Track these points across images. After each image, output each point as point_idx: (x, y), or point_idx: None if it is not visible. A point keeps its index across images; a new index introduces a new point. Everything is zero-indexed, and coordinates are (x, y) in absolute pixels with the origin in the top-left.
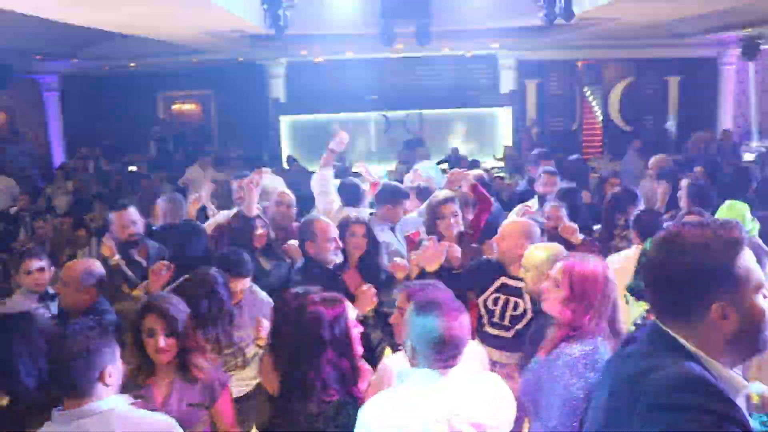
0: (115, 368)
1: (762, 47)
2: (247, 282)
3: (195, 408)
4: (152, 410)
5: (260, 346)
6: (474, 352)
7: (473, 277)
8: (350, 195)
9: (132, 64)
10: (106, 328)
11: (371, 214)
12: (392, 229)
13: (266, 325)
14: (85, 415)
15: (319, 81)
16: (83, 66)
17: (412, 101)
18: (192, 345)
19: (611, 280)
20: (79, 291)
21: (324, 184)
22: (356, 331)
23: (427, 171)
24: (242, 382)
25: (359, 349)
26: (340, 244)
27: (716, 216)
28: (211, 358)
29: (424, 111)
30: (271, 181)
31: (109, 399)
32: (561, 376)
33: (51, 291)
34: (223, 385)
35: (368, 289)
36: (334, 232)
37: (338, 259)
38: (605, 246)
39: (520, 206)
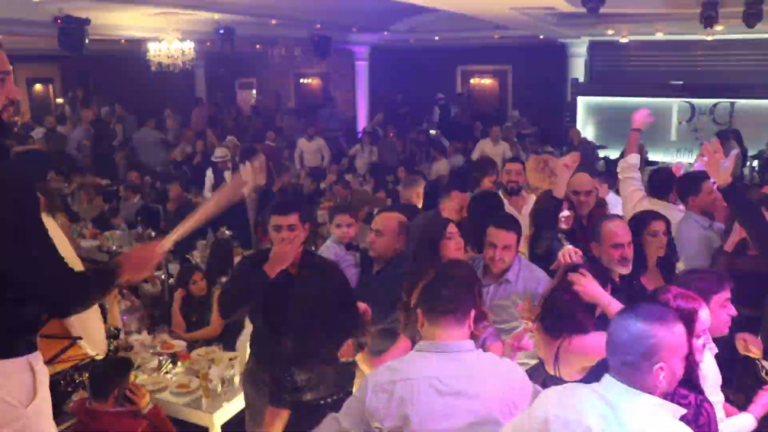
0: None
1: None
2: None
3: None
4: None
5: (528, 321)
6: None
7: None
8: (658, 183)
9: (436, 38)
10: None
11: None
12: (710, 227)
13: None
14: (457, 349)
15: (622, 62)
16: (392, 38)
17: (723, 89)
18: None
19: None
20: (393, 240)
21: (628, 169)
22: (699, 342)
23: None
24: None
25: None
26: (628, 255)
27: None
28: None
29: (737, 101)
30: None
31: (468, 342)
32: None
33: (354, 243)
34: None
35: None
36: (624, 238)
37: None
38: None
39: None
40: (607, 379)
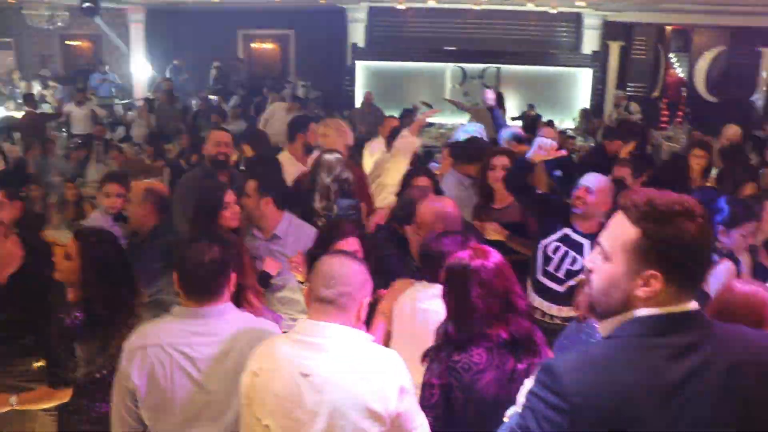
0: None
1: None
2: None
3: None
4: None
5: (301, 282)
6: None
7: (544, 209)
8: None
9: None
10: (228, 246)
11: None
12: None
13: (299, 260)
14: (209, 314)
15: (399, 28)
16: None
17: (491, 55)
18: (249, 283)
19: None
20: (139, 208)
21: (409, 149)
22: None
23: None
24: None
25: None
26: None
27: None
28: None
29: (503, 66)
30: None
31: (227, 304)
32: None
33: (124, 214)
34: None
35: None
36: None
37: None
38: None
39: None
40: None
